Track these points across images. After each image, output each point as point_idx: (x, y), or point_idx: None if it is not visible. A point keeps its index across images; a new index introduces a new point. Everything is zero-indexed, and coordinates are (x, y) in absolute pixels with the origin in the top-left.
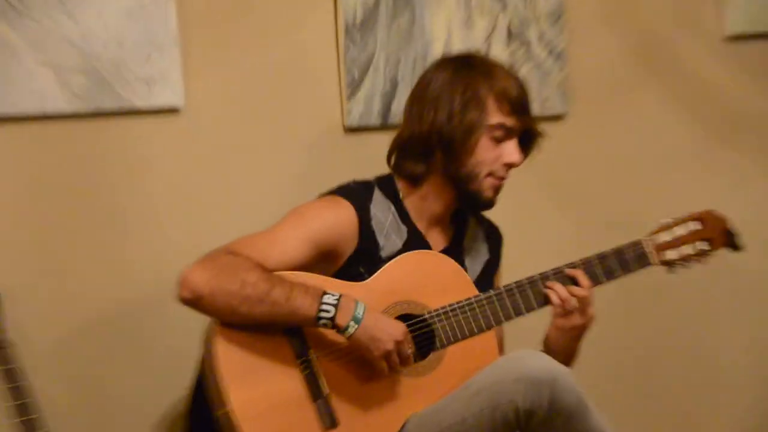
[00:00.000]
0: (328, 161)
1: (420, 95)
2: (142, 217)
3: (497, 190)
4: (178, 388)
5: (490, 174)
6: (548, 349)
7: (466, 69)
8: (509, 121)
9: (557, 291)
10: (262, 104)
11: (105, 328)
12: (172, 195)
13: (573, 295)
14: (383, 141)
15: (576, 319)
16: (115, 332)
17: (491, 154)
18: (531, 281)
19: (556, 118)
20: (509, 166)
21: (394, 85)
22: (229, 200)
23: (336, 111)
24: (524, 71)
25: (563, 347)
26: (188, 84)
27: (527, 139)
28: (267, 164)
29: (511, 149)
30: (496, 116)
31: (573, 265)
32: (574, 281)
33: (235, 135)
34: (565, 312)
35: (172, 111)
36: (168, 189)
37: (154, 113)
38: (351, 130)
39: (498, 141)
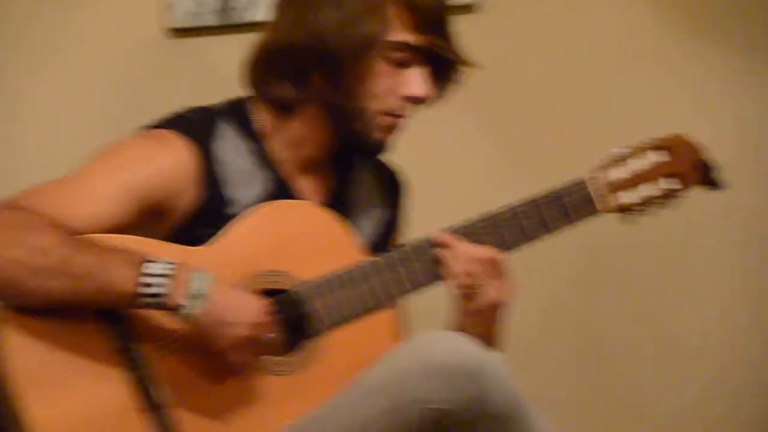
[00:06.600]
0: (146, 79)
1: None
2: None
3: (391, 130)
4: None
5: (384, 111)
6: None
7: None
8: (415, 39)
9: (450, 264)
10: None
11: None
12: None
13: (473, 268)
14: (224, 47)
15: (483, 298)
16: None
17: (387, 83)
18: (416, 247)
19: (465, 8)
20: (411, 100)
21: None
22: (5, 139)
23: (152, 6)
24: None
25: (477, 334)
26: None
27: (444, 67)
28: (60, 88)
29: (414, 78)
30: (398, 31)
31: (470, 225)
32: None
33: (9, 44)
34: (467, 292)
35: None
36: None
37: None
38: (176, 31)
39: (399, 66)
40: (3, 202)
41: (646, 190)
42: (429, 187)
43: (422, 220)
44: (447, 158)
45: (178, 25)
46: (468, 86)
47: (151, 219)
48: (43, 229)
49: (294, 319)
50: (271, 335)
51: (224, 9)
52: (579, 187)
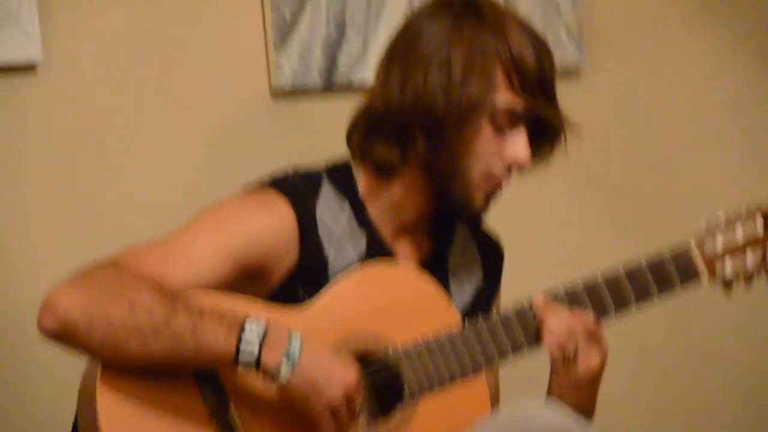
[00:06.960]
0: (250, 138)
1: (405, 50)
2: None
3: (492, 195)
4: None
5: (486, 174)
6: None
7: (473, 19)
8: (519, 104)
9: (551, 330)
10: (155, 58)
11: None
12: (29, 188)
13: (573, 335)
14: (327, 109)
15: (582, 365)
16: None
17: (491, 146)
18: (519, 311)
19: (569, 73)
20: (514, 165)
21: (340, 30)
22: (111, 196)
23: (260, 67)
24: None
25: (573, 401)
26: (48, 30)
27: (548, 131)
28: (164, 145)
29: (518, 142)
30: (505, 93)
31: (573, 290)
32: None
33: (116, 103)
34: (566, 358)
35: (25, 68)
36: (23, 181)
37: None
38: (281, 93)
39: (502, 129)
40: (102, 261)
41: (747, 261)
42: (527, 249)
43: (519, 283)
44: (546, 220)
45: (284, 85)
46: (568, 148)
47: (250, 279)
48: (143, 288)
49: (386, 384)
50: (363, 401)
51: (330, 69)
52: (684, 252)
